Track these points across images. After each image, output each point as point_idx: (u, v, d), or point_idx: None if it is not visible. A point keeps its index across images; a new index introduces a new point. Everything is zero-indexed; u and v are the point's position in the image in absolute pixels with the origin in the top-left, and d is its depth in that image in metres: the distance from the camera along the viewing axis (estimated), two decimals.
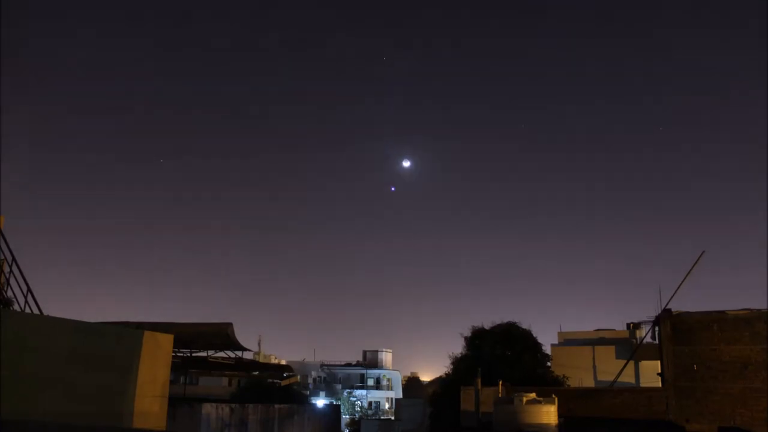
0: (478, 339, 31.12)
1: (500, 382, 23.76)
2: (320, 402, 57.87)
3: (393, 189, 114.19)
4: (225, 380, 54.83)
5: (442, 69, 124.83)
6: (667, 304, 24.47)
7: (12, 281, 16.05)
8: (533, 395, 21.15)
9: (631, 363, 32.26)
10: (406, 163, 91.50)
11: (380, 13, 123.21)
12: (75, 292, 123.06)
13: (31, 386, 13.06)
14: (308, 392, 65.88)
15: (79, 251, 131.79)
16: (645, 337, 30.90)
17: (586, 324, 55.08)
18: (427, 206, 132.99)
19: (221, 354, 33.89)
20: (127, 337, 16.04)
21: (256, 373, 41.12)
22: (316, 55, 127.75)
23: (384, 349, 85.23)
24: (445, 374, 33.26)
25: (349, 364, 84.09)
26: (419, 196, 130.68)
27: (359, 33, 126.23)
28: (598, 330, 40.10)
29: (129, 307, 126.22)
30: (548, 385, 27.38)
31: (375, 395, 79.52)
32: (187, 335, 27.60)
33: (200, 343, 30.85)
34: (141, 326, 23.54)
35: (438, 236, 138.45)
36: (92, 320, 18.26)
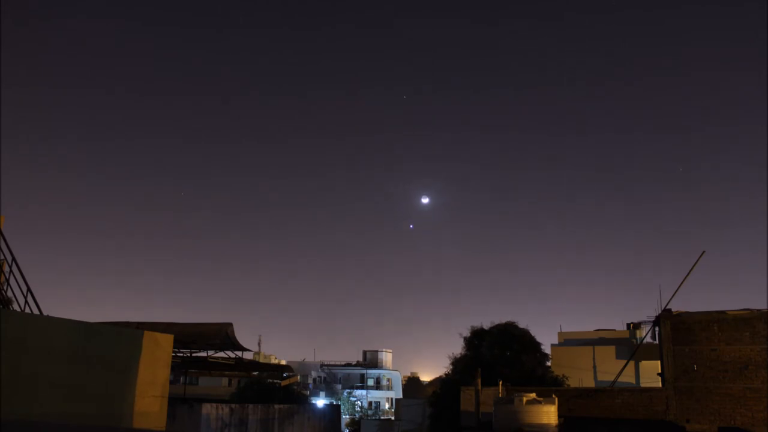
0: (477, 339, 31.07)
1: (500, 382, 23.74)
2: (320, 402, 57.89)
3: (412, 227, 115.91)
4: (225, 380, 54.79)
5: (459, 104, 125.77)
6: (667, 304, 24.46)
7: (12, 281, 16.05)
8: (533, 395, 21.12)
9: (631, 363, 32.25)
10: (425, 200, 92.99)
11: (400, 53, 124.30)
12: (75, 292, 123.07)
13: (31, 386, 13.06)
14: (308, 392, 65.86)
15: (79, 251, 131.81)
16: (645, 337, 30.90)
17: (586, 324, 55.18)
18: (430, 214, 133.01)
19: (221, 354, 33.85)
20: (127, 337, 16.05)
21: (256, 373, 41.08)
22: (336, 90, 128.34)
23: (384, 349, 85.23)
24: (445, 374, 33.23)
25: (349, 364, 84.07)
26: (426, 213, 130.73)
27: (380, 69, 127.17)
28: (598, 330, 40.11)
29: (129, 307, 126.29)
30: (548, 385, 27.36)
31: (375, 395, 79.51)
32: (187, 335, 27.56)
33: (200, 343, 30.79)
34: (141, 326, 23.53)
35: (438, 237, 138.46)
36: (92, 320, 18.26)
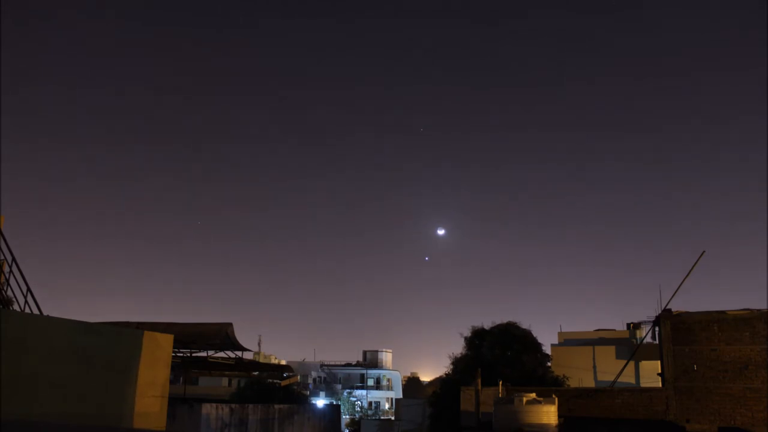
0: (478, 339, 31.05)
1: (500, 382, 23.73)
2: (320, 402, 57.83)
3: (427, 258, 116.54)
4: (225, 380, 54.75)
5: (473, 138, 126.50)
6: (667, 304, 24.45)
7: (12, 281, 16.05)
8: (533, 395, 21.11)
9: (631, 363, 32.23)
10: (441, 231, 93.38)
11: (416, 87, 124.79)
12: (75, 292, 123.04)
13: (31, 386, 13.06)
14: (308, 392, 65.83)
15: (79, 251, 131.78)
16: (645, 337, 30.89)
17: (586, 324, 55.19)
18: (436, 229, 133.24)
19: (221, 354, 33.83)
20: (127, 337, 16.04)
21: (256, 373, 41.07)
22: (353, 124, 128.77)
23: (384, 349, 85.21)
24: (445, 374, 33.20)
25: (349, 364, 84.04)
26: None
27: (398, 103, 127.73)
28: (598, 330, 40.09)
29: (129, 307, 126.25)
30: (548, 385, 27.35)
31: (375, 395, 79.48)
32: (187, 335, 27.54)
33: (200, 343, 30.78)
34: (141, 326, 23.52)
35: (438, 237, 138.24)
36: (92, 320, 18.26)
